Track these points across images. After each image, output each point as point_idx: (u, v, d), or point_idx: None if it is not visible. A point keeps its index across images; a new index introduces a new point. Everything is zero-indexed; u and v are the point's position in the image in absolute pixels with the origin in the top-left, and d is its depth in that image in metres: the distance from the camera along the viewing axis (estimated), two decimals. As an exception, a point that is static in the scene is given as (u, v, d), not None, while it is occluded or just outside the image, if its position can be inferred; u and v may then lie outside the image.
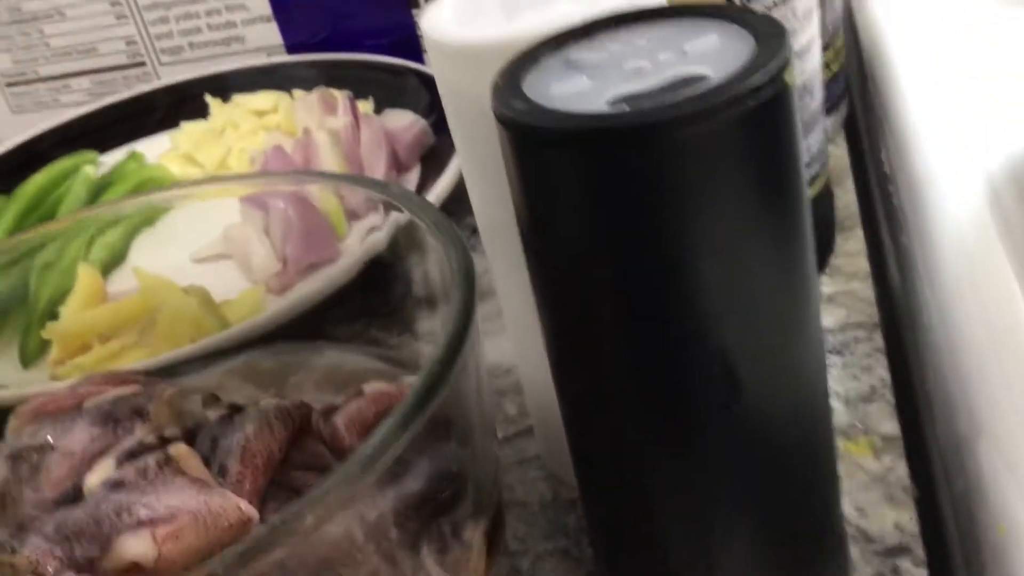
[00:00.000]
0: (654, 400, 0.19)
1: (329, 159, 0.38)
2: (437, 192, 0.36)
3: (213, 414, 0.25)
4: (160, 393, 0.24)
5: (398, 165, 0.40)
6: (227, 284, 0.38)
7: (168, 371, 0.29)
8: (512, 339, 0.27)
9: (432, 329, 0.29)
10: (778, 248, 0.18)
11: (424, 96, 0.44)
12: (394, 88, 0.46)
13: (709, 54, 0.18)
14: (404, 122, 0.41)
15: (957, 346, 0.27)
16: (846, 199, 0.36)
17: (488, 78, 0.21)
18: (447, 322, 0.20)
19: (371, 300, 0.32)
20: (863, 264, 0.32)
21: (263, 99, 0.46)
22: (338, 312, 0.33)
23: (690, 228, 0.17)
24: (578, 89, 0.18)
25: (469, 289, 0.21)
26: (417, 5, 0.49)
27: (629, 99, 0.17)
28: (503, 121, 0.18)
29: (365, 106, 0.45)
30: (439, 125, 0.42)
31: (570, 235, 0.18)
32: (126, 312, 0.35)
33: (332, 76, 0.48)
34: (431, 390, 0.19)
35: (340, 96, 0.41)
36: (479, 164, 0.23)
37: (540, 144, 0.17)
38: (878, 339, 0.29)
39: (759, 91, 0.16)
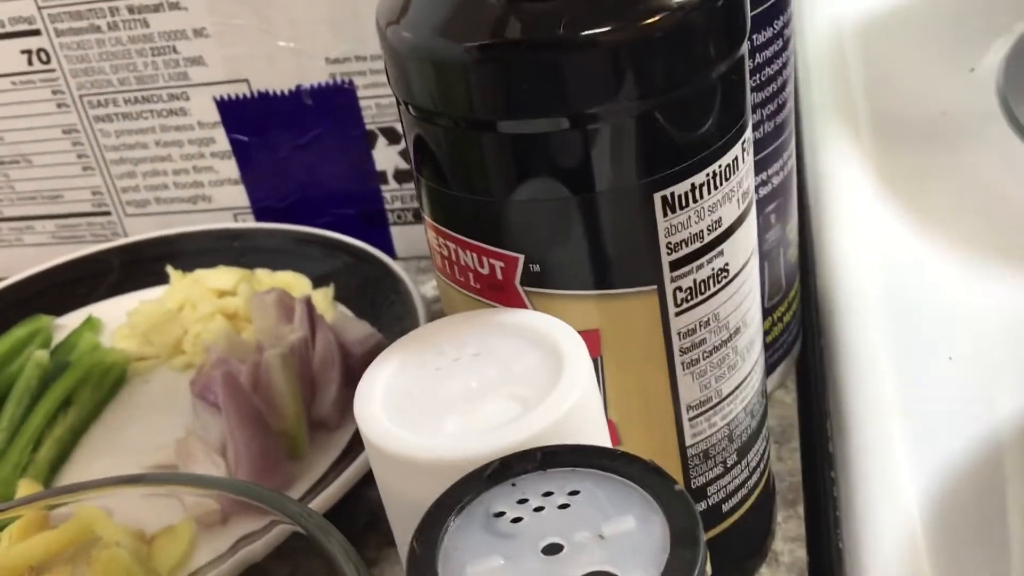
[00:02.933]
0: None
1: (280, 383, 0.37)
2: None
3: None
4: None
5: (350, 379, 0.40)
6: (164, 506, 0.37)
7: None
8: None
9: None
10: None
11: (388, 289, 0.44)
12: (358, 273, 0.46)
13: (623, 546, 0.18)
14: (359, 334, 0.41)
15: None
16: (791, 464, 0.36)
17: (415, 482, 0.21)
18: None
19: (295, 558, 0.31)
20: (801, 554, 0.32)
21: (224, 277, 0.46)
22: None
23: None
24: (493, 573, 0.18)
25: None
26: (386, 182, 0.49)
27: (540, 600, 0.17)
28: (414, 611, 0.18)
29: (325, 294, 0.45)
30: (394, 328, 0.42)
31: None
32: (62, 541, 0.35)
33: (295, 250, 0.48)
34: None
35: (298, 303, 0.41)
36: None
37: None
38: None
39: (666, 624, 0.17)
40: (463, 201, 0.25)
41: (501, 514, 0.19)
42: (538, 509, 0.19)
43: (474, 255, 0.25)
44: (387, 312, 0.43)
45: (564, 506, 0.19)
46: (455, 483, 0.20)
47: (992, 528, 0.29)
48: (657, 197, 0.24)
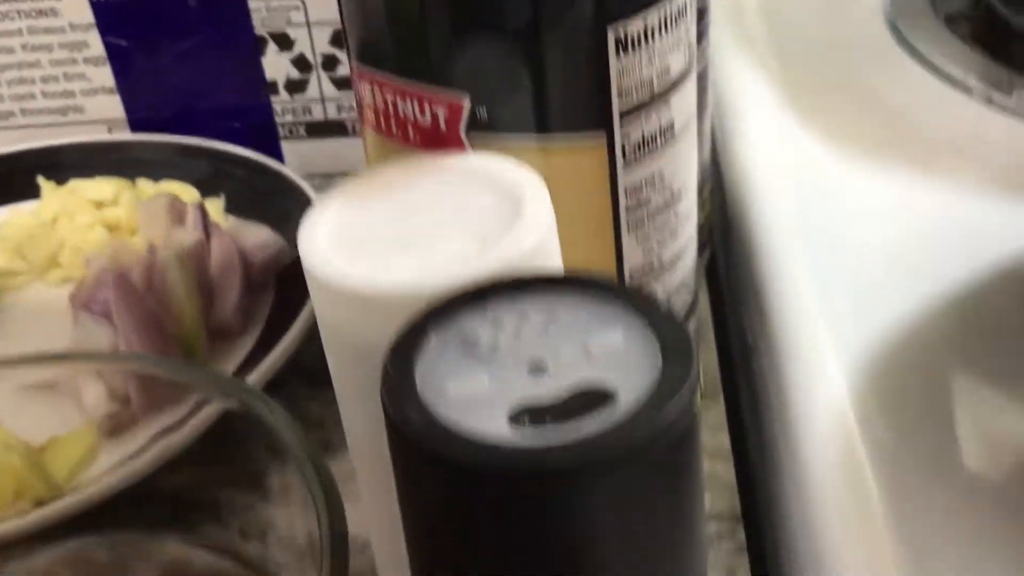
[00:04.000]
0: None
1: (177, 285, 0.35)
2: (291, 337, 0.34)
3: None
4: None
5: (251, 285, 0.38)
6: (59, 414, 0.34)
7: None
8: (373, 527, 0.25)
9: (284, 485, 0.27)
10: (680, 559, 0.18)
11: (282, 200, 0.42)
12: (249, 185, 0.43)
13: (613, 357, 0.17)
14: (259, 240, 0.38)
15: (819, 557, 0.27)
16: (707, 360, 0.36)
17: (369, 321, 0.20)
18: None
19: (218, 452, 0.29)
20: (725, 441, 0.32)
21: (102, 187, 0.43)
22: (180, 460, 0.31)
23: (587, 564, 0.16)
24: (477, 390, 0.17)
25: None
26: (276, 92, 0.46)
27: (531, 413, 0.16)
28: (396, 431, 0.16)
29: (216, 205, 0.42)
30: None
31: (461, 554, 0.17)
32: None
33: (180, 163, 0.45)
34: None
35: (190, 206, 0.38)
36: (355, 397, 0.22)
37: (437, 468, 0.16)
38: (740, 535, 0.29)
39: (670, 428, 0.16)
40: (403, 38, 0.23)
41: (477, 339, 0.18)
42: (516, 333, 0.18)
43: (415, 102, 0.24)
44: (286, 224, 0.41)
45: (544, 328, 0.18)
46: (424, 308, 0.18)
47: (923, 400, 0.30)
48: (611, 35, 0.23)
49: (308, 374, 0.36)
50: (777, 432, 0.31)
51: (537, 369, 0.17)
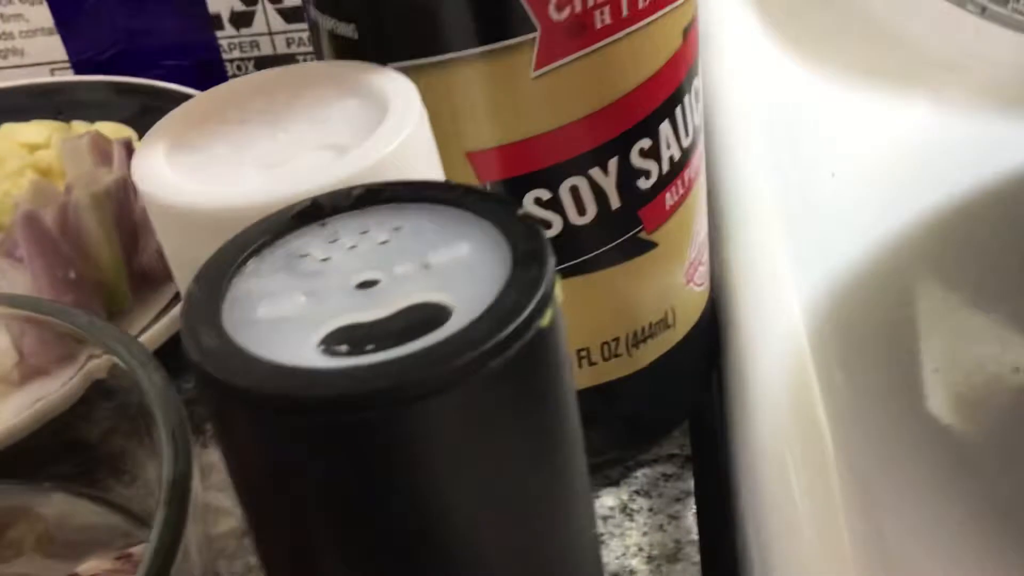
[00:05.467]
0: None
1: (93, 228, 0.33)
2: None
3: None
4: None
5: (181, 227, 0.35)
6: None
7: None
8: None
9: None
10: (543, 492, 0.15)
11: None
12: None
13: (455, 272, 0.14)
14: (189, 178, 0.36)
15: (762, 503, 0.24)
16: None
17: (207, 244, 0.17)
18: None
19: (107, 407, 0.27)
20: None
21: (35, 130, 0.40)
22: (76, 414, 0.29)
23: (424, 500, 0.14)
24: (290, 312, 0.14)
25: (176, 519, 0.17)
26: (221, 27, 0.44)
27: (348, 336, 0.14)
28: (190, 360, 0.14)
29: (153, 146, 0.40)
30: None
31: (268, 493, 0.14)
32: None
33: (119, 103, 0.43)
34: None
35: (115, 144, 0.36)
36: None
37: (226, 399, 0.13)
38: (689, 478, 0.27)
39: (503, 347, 0.13)
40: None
41: (306, 255, 0.15)
42: (353, 248, 0.15)
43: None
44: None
45: (385, 243, 0.15)
46: (249, 225, 0.16)
47: (884, 334, 0.27)
48: None
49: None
50: (730, 368, 0.29)
51: (366, 287, 0.15)
